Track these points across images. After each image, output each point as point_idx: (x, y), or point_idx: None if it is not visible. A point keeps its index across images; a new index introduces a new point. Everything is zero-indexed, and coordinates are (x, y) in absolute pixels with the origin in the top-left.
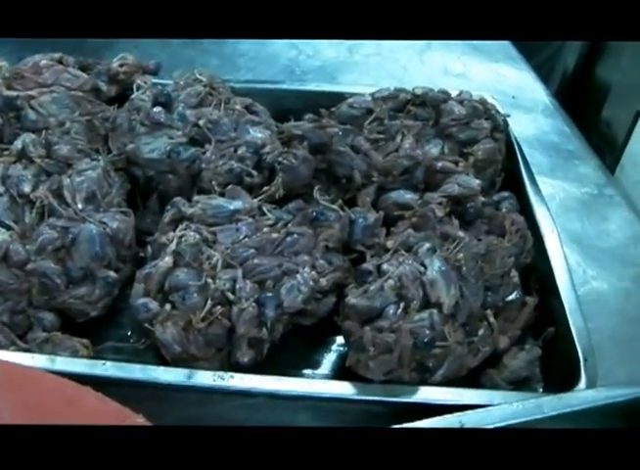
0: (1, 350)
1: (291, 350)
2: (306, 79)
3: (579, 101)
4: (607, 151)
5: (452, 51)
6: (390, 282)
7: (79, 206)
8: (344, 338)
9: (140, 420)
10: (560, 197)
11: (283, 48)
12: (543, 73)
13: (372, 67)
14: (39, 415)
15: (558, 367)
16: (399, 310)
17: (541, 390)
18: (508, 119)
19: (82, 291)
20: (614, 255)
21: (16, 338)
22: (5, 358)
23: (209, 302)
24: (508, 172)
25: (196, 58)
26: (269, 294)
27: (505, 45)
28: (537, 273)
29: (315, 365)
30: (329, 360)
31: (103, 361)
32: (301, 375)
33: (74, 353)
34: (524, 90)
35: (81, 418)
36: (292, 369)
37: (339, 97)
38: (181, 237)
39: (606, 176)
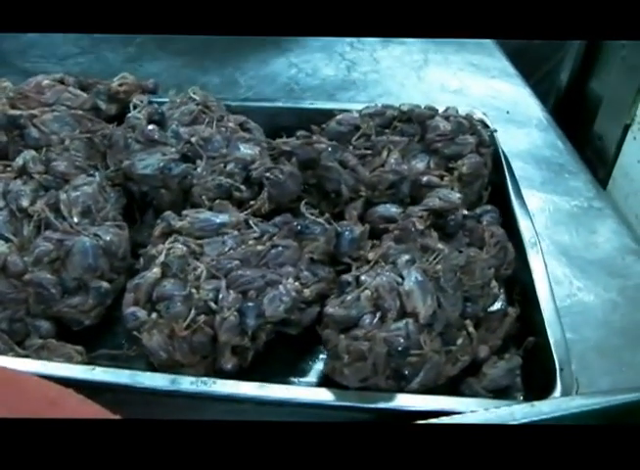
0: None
1: (277, 358)
2: (305, 97)
3: (574, 116)
4: (600, 164)
5: (449, 68)
6: (367, 292)
7: (75, 219)
8: (324, 346)
9: None
10: (550, 210)
11: (282, 67)
12: (541, 90)
13: (370, 84)
14: (24, 416)
15: (537, 377)
16: (375, 320)
17: (522, 398)
18: (500, 134)
19: (76, 300)
20: (601, 266)
21: (14, 345)
22: (2, 363)
23: (193, 311)
24: (495, 186)
25: (197, 77)
26: (250, 303)
27: (502, 61)
28: (520, 285)
29: (301, 374)
30: (315, 369)
31: (92, 367)
32: (288, 383)
33: (68, 360)
34: (518, 105)
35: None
36: (278, 377)
37: (333, 114)
38: (169, 249)
39: (595, 189)
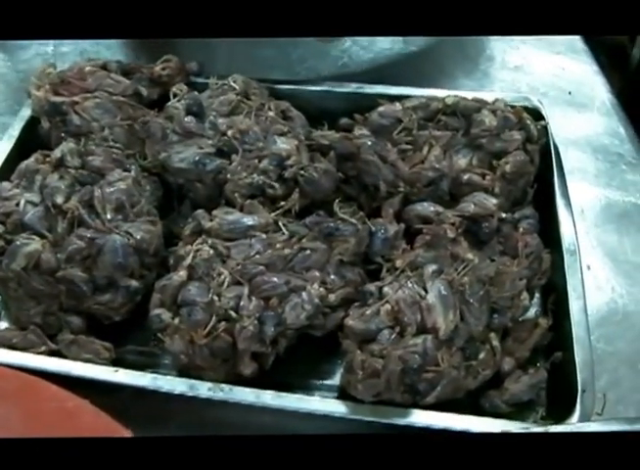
0: (33, 349)
1: (300, 358)
2: (357, 73)
3: None
4: None
5: (512, 41)
6: (387, 306)
7: (108, 216)
8: (343, 356)
9: (127, 434)
10: (600, 206)
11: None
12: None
13: (426, 57)
14: (43, 425)
15: (560, 392)
16: (393, 335)
17: (543, 414)
18: (558, 118)
19: (106, 298)
20: None
21: (47, 339)
22: (32, 362)
23: (214, 318)
24: (542, 180)
25: (249, 50)
26: (270, 312)
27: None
28: (554, 294)
29: (325, 375)
30: (339, 371)
31: (115, 369)
32: (310, 384)
33: (97, 356)
34: (582, 85)
35: (78, 429)
36: (300, 378)
37: (380, 98)
38: (197, 251)
39: None
